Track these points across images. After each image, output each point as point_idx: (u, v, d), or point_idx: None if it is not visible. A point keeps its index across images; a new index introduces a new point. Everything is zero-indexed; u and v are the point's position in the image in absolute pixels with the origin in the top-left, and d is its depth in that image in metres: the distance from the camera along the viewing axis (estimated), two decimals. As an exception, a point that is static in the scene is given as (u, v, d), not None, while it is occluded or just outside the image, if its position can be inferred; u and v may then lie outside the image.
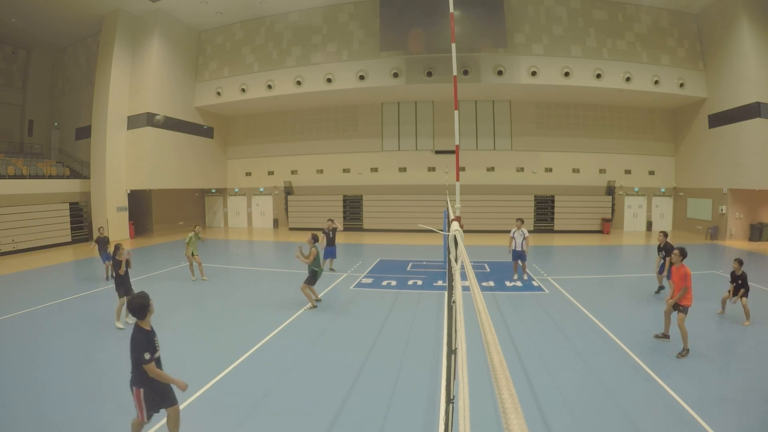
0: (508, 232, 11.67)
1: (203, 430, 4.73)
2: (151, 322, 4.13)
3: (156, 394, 4.04)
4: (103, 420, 4.80)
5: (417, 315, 8.66)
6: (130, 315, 8.05)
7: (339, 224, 12.71)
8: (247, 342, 7.14)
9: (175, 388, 4.13)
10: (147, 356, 3.89)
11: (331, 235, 12.16)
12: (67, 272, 13.95)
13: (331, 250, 12.26)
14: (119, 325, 7.97)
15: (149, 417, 4.06)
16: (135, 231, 22.17)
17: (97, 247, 12.31)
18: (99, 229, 12.74)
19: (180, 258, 15.00)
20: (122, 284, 8.13)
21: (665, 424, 4.66)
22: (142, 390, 3.96)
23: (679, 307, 6.74)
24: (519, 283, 11.14)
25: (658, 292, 10.20)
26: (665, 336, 7.11)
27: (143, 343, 3.93)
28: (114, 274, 8.43)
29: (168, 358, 6.69)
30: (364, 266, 13.84)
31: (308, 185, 25.25)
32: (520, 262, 11.35)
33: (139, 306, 4.04)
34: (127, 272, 8.25)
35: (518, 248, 11.15)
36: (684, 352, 6.45)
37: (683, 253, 6.96)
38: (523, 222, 11.54)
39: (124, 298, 7.84)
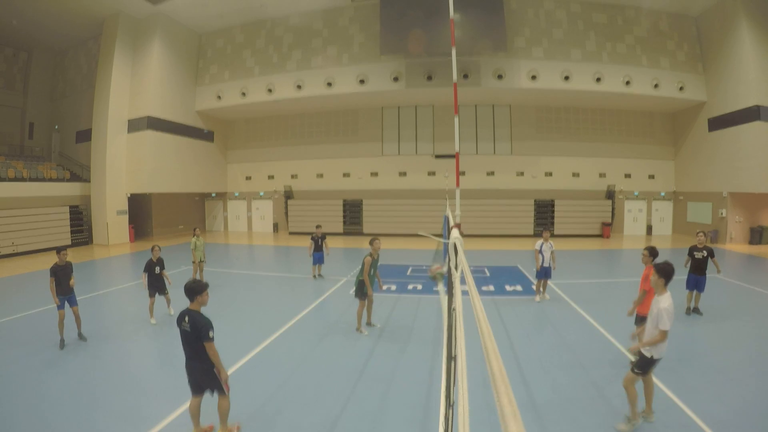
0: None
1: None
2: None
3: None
4: (103, 422, 4.78)
5: (416, 320, 8.63)
6: (171, 308, 8.98)
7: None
8: (247, 347, 7.10)
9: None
10: (211, 334, 4.19)
11: (319, 242, 12.33)
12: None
13: (319, 256, 12.42)
14: (153, 321, 8.56)
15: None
16: (135, 235, 22.16)
17: (53, 282, 7.44)
18: (61, 254, 7.77)
19: (180, 261, 15.02)
20: (153, 284, 8.67)
21: None
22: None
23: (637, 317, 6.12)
24: (519, 287, 11.06)
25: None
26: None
27: (206, 323, 4.25)
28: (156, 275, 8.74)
29: (169, 359, 6.70)
30: (364, 270, 13.79)
31: (308, 189, 25.26)
32: (545, 280, 9.97)
33: (189, 288, 4.39)
34: (159, 272, 8.74)
35: (546, 264, 9.78)
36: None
37: (652, 253, 6.33)
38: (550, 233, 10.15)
39: (155, 298, 8.63)
